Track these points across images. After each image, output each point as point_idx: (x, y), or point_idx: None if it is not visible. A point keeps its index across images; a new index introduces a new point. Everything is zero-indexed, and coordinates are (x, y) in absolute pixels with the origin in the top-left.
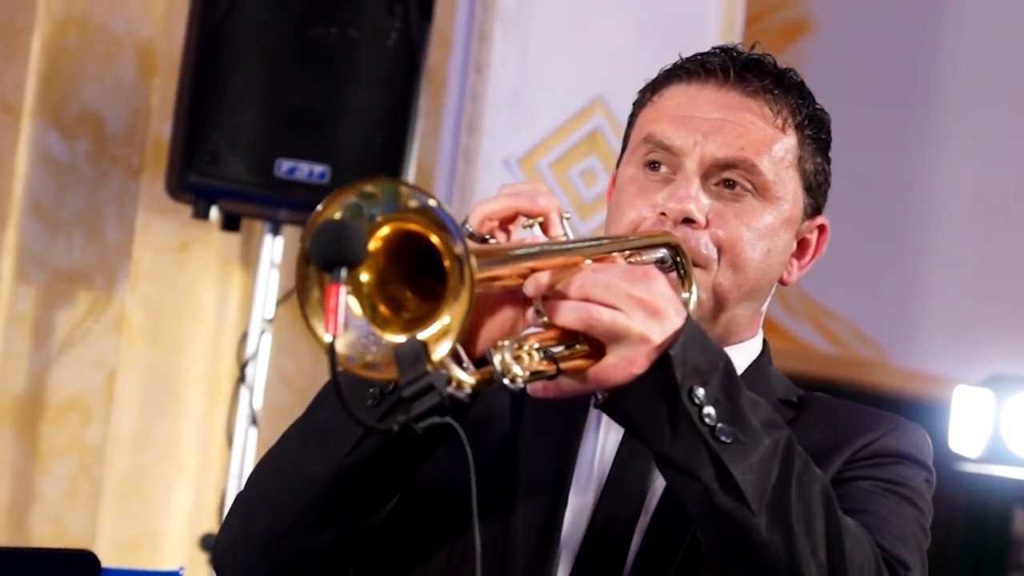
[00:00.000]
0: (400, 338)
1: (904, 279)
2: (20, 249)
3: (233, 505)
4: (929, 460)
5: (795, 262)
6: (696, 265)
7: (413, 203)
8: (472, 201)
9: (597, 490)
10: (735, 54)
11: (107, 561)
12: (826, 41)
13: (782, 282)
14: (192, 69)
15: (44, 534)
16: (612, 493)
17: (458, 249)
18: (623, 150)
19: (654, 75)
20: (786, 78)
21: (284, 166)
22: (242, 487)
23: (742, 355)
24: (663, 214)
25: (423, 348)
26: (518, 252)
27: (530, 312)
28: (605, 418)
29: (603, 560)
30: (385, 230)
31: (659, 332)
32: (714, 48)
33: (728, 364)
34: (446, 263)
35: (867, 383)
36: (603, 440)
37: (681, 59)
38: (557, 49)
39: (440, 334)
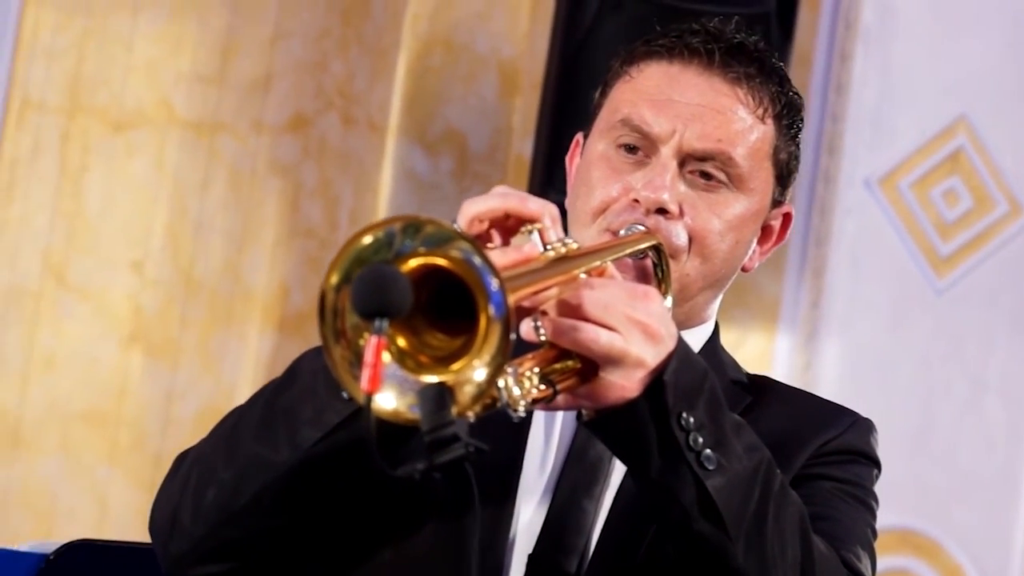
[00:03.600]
0: (431, 378)
1: None
2: None
3: (176, 474)
4: (878, 455)
5: (757, 249)
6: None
7: (430, 230)
8: (833, 221)
9: (550, 484)
10: (718, 35)
11: None
12: None
13: (744, 269)
14: (554, 88)
15: None
16: (567, 491)
17: (494, 283)
18: (593, 116)
19: (1019, 96)
20: (768, 64)
21: None
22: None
23: (698, 337)
24: (636, 200)
25: (448, 392)
26: (535, 273)
27: (526, 327)
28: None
29: (560, 559)
30: (410, 264)
31: (654, 356)
32: (694, 25)
33: (713, 385)
34: (478, 299)
35: None
36: (555, 429)
37: (661, 33)
38: (919, 68)
39: (468, 373)
